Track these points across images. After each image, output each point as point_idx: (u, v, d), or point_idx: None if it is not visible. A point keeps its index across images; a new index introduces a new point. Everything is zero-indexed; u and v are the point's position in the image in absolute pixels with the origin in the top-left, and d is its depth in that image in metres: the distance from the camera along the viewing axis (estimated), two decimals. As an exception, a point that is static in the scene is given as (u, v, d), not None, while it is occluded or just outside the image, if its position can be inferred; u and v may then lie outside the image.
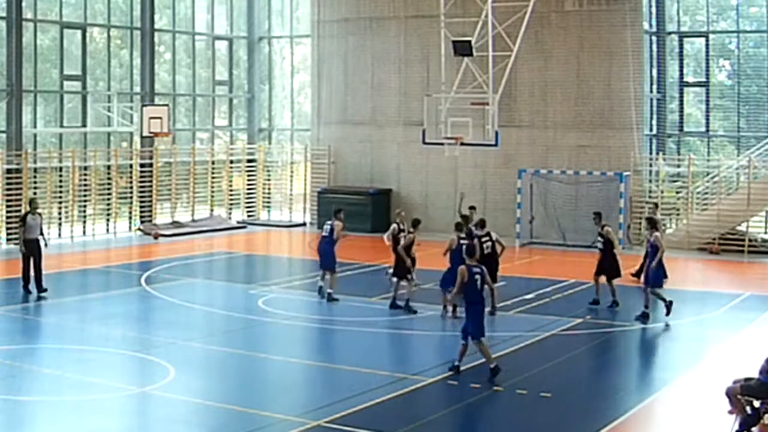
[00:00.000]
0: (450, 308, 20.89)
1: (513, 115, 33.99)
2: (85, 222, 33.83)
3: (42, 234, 23.28)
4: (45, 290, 22.61)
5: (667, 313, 20.53)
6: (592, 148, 33.28)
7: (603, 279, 22.37)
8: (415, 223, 21.90)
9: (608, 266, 22.27)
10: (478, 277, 15.90)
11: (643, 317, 20.47)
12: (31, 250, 22.87)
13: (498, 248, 21.83)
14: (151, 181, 35.48)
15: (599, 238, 22.58)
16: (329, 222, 23.24)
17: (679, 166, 33.54)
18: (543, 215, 33.04)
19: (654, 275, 20.63)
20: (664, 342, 19.58)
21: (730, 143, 34.74)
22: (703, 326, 20.88)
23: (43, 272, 22.76)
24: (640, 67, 32.79)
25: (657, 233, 20.72)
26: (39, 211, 23.77)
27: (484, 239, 21.46)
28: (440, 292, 21.12)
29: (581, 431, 13.82)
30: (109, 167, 34.66)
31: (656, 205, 28.02)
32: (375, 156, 37.09)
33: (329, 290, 22.37)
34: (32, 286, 22.69)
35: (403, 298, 21.41)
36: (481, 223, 21.90)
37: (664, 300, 20.65)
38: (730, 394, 13.07)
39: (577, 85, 33.55)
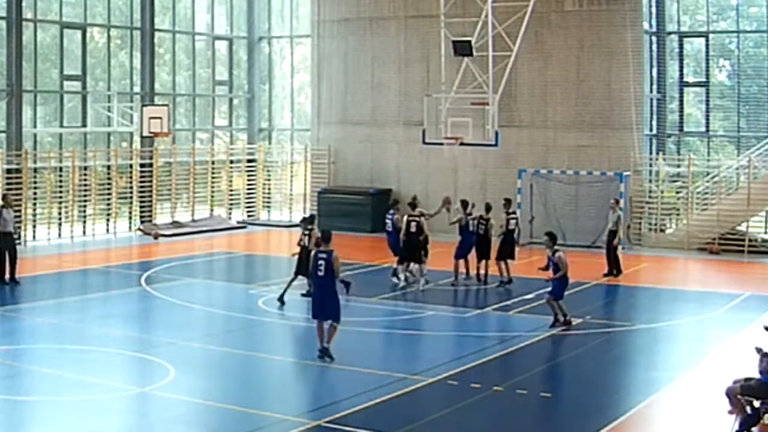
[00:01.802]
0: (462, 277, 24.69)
1: (513, 115, 33.98)
2: (85, 222, 33.81)
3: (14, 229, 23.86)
4: (18, 282, 23.22)
5: (558, 324, 19.81)
6: (592, 148, 33.28)
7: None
8: (311, 220, 23.21)
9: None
10: (322, 262, 16.61)
11: (565, 324, 19.88)
12: (6, 244, 23.48)
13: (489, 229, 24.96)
14: (151, 181, 35.47)
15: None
16: (390, 214, 25.29)
17: (679, 166, 33.54)
18: (543, 215, 33.00)
19: (558, 288, 19.86)
20: (664, 342, 19.57)
21: (730, 143, 34.73)
22: (703, 326, 20.87)
23: (42, 272, 22.79)
24: (640, 67, 32.79)
25: (560, 253, 19.85)
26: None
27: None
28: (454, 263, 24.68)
29: (581, 431, 13.82)
30: (109, 167, 34.66)
31: (617, 201, 27.71)
32: (375, 156, 37.08)
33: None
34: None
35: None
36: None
37: (559, 314, 19.87)
38: (730, 394, 13.07)
39: (577, 85, 33.55)
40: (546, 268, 20.02)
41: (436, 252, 25.95)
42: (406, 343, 19.27)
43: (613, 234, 26.40)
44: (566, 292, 23.30)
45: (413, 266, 24.57)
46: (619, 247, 26.88)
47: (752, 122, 33.75)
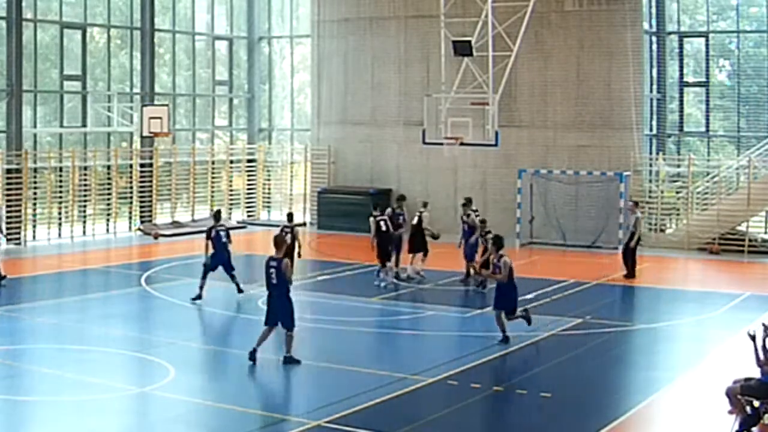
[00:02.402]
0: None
1: (513, 115, 33.97)
2: (85, 222, 33.81)
3: (1, 229, 23.81)
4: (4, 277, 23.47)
5: (503, 341, 18.51)
6: (592, 148, 33.27)
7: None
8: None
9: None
10: (273, 270, 16.42)
11: (504, 340, 18.58)
12: None
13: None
14: (151, 181, 35.47)
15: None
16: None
17: (679, 166, 33.53)
18: (543, 215, 33.04)
19: (501, 298, 18.63)
20: (664, 342, 19.56)
21: (730, 143, 34.73)
22: (703, 326, 20.87)
23: (42, 272, 22.80)
24: (640, 67, 32.78)
25: (506, 257, 18.56)
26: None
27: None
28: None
29: (581, 431, 13.82)
30: (109, 167, 34.66)
31: (636, 203, 27.44)
32: (375, 156, 37.08)
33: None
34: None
35: None
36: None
37: (503, 330, 18.58)
38: (730, 394, 13.07)
39: (577, 85, 33.54)
40: (493, 272, 18.87)
41: (436, 252, 25.96)
42: (406, 343, 19.27)
43: (632, 235, 26.18)
44: (568, 292, 23.35)
45: (390, 265, 24.60)
46: (637, 250, 26.58)
47: (752, 122, 33.75)
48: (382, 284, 24.21)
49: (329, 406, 14.12)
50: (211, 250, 22.49)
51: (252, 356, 16.61)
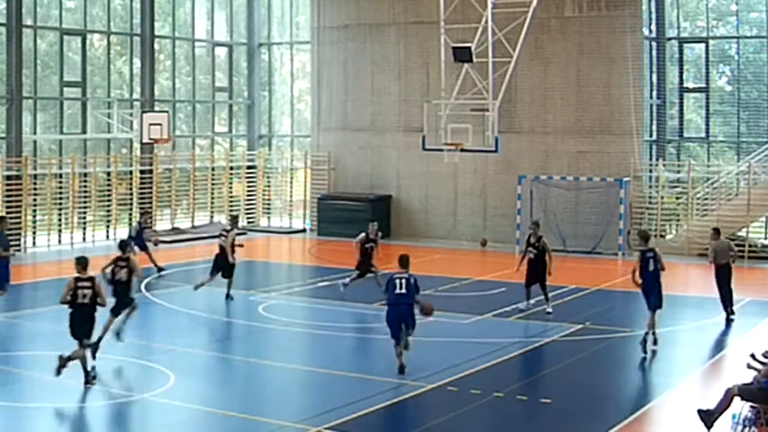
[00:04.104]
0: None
1: (513, 121, 34.00)
2: (84, 228, 33.80)
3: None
4: None
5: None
6: (592, 153, 33.29)
7: None
8: (234, 222, 24.39)
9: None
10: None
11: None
12: None
13: None
14: (150, 188, 35.48)
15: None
16: None
17: (679, 171, 33.54)
18: (543, 221, 32.88)
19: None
20: (664, 347, 19.52)
21: (730, 149, 34.74)
22: (704, 332, 20.87)
23: (42, 278, 22.76)
24: (640, 73, 32.81)
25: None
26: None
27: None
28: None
29: (582, 437, 13.82)
30: (108, 174, 34.66)
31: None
32: (375, 162, 37.09)
33: None
34: None
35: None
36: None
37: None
38: (728, 391, 13.05)
39: (577, 91, 33.56)
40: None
41: (437, 258, 25.90)
42: (406, 350, 19.24)
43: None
44: (568, 298, 23.29)
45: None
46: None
47: (752, 128, 33.77)
48: None
49: (329, 413, 14.10)
50: None
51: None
